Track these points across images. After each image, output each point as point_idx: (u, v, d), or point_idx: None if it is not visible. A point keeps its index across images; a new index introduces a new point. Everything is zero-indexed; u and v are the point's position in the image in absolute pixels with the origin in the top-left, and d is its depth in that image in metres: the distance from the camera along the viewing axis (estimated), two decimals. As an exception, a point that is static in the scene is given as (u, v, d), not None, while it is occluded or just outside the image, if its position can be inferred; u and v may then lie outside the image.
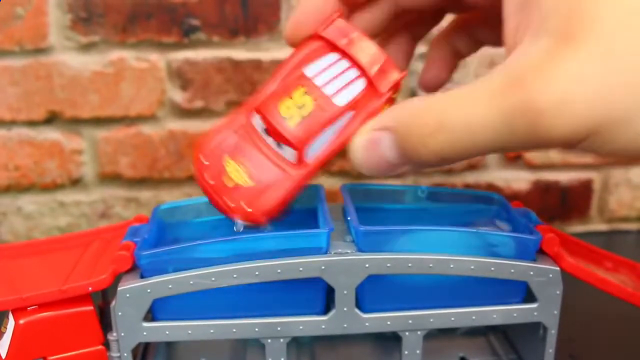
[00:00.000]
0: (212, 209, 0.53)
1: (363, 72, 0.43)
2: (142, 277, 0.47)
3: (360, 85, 0.43)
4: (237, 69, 0.77)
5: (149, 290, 0.46)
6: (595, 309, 0.63)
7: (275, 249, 0.47)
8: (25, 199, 0.80)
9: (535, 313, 0.49)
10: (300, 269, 0.46)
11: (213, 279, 0.46)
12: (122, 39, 0.76)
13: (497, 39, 0.44)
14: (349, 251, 0.47)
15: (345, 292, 0.47)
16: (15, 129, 0.77)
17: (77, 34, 0.75)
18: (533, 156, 0.83)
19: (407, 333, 0.48)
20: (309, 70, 0.43)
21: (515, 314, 0.49)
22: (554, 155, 0.83)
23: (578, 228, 0.87)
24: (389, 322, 0.48)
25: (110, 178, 0.80)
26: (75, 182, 0.80)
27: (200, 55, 0.77)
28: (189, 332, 0.47)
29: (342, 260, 0.46)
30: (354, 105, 0.43)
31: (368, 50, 0.43)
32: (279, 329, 0.47)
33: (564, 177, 0.85)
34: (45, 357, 0.46)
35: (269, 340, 0.48)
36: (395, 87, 0.43)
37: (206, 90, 0.78)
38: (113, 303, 0.46)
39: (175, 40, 0.76)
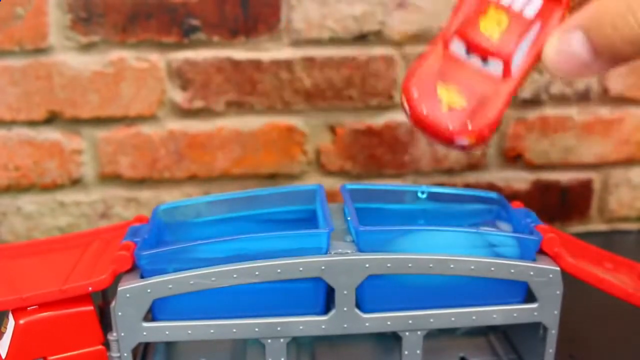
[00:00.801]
0: (213, 209, 0.54)
1: None
2: (142, 277, 0.47)
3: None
4: (237, 69, 0.77)
5: (149, 290, 0.46)
6: (595, 309, 0.63)
7: (275, 249, 0.47)
8: (25, 199, 0.80)
9: (536, 313, 0.49)
10: (300, 269, 0.46)
11: (213, 279, 0.46)
12: (122, 39, 0.76)
13: None
14: (349, 251, 0.47)
15: (345, 292, 0.47)
16: (15, 129, 0.77)
17: (77, 34, 0.75)
18: (533, 156, 0.83)
19: (407, 333, 0.49)
20: None
21: (515, 314, 0.49)
22: (554, 156, 0.83)
23: (578, 228, 0.87)
24: (389, 322, 0.48)
25: (110, 178, 0.80)
26: (75, 182, 0.80)
27: (200, 55, 0.77)
28: (189, 332, 0.47)
29: (342, 261, 0.46)
30: (540, 15, 0.44)
31: None
32: (279, 329, 0.47)
33: (564, 177, 0.85)
34: (45, 357, 0.46)
35: (269, 341, 0.48)
36: None
37: (206, 90, 0.78)
38: (113, 303, 0.46)
39: (175, 40, 0.76)
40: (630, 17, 0.36)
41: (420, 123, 0.45)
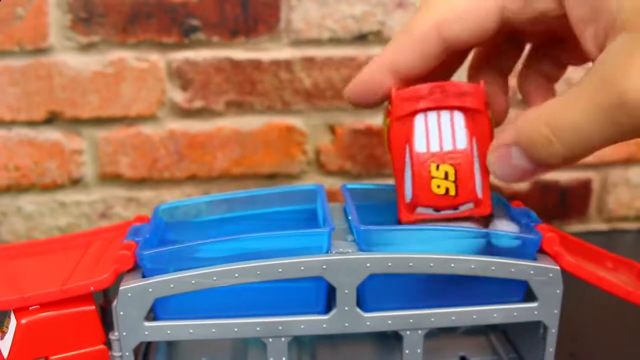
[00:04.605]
0: (214, 208, 0.54)
1: (451, 107, 0.47)
2: (143, 276, 0.47)
3: (460, 118, 0.47)
4: (237, 69, 0.77)
5: (150, 290, 0.46)
6: (596, 308, 0.63)
7: (276, 249, 0.47)
8: (25, 199, 0.80)
9: (536, 312, 0.49)
10: (302, 268, 0.46)
11: (214, 278, 0.46)
12: (122, 39, 0.76)
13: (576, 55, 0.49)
14: (350, 250, 0.47)
15: (346, 291, 0.47)
16: (15, 129, 0.77)
17: (77, 34, 0.75)
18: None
19: (408, 332, 0.49)
20: (418, 146, 0.48)
21: (515, 313, 0.49)
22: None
23: (577, 228, 0.87)
24: (389, 322, 0.48)
25: (111, 178, 0.80)
26: (76, 182, 0.80)
27: (200, 55, 0.77)
28: (191, 331, 0.47)
29: (343, 260, 0.46)
30: (470, 135, 0.47)
31: (441, 89, 0.47)
32: (280, 328, 0.48)
33: (563, 177, 0.85)
34: (47, 357, 0.46)
35: (270, 340, 0.48)
36: (485, 100, 0.48)
37: (206, 90, 0.78)
38: (115, 302, 0.46)
39: (175, 40, 0.76)
40: (552, 138, 0.40)
41: None
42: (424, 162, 0.47)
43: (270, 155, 0.81)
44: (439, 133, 0.47)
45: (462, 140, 0.47)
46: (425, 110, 0.47)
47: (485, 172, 0.48)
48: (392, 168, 0.49)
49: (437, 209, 0.48)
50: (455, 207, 0.48)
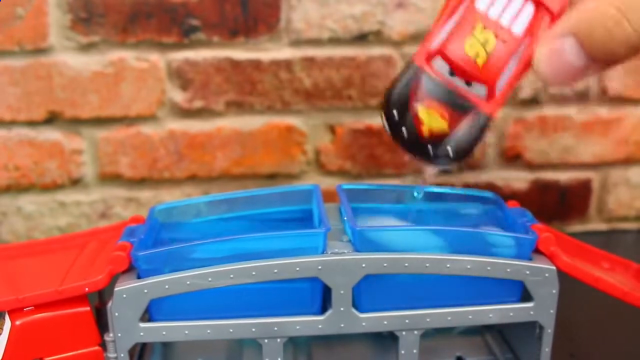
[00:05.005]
0: (209, 209, 0.54)
1: None
2: (138, 277, 0.47)
3: (530, 9, 0.44)
4: (237, 69, 0.77)
5: (145, 291, 0.46)
6: (595, 308, 0.63)
7: (271, 249, 0.47)
8: (25, 199, 0.80)
9: (532, 312, 0.49)
10: (297, 268, 0.46)
11: (210, 279, 0.46)
12: (122, 39, 0.76)
13: None
14: (345, 251, 0.47)
15: (341, 291, 0.47)
16: (15, 129, 0.77)
17: (77, 34, 0.75)
18: (532, 156, 0.83)
19: (403, 332, 0.49)
20: (481, 3, 0.44)
21: (511, 313, 0.49)
22: (553, 155, 0.83)
23: (577, 227, 0.87)
24: (385, 322, 0.48)
25: (110, 178, 0.80)
26: (75, 182, 0.80)
27: (200, 55, 0.77)
28: (186, 332, 0.47)
29: (339, 260, 0.46)
30: (530, 30, 0.44)
31: None
32: (275, 329, 0.48)
33: (563, 176, 0.85)
34: (42, 358, 0.46)
35: (266, 341, 0.48)
36: (565, 5, 0.44)
37: (206, 90, 0.78)
38: (110, 303, 0.46)
39: (175, 40, 0.76)
40: (623, 20, 0.37)
41: (401, 145, 0.46)
42: (475, 17, 0.44)
43: (270, 155, 0.81)
44: (504, 6, 0.44)
45: (519, 28, 0.44)
46: None
47: (519, 73, 0.44)
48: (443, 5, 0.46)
49: (452, 72, 0.45)
50: (469, 82, 0.45)
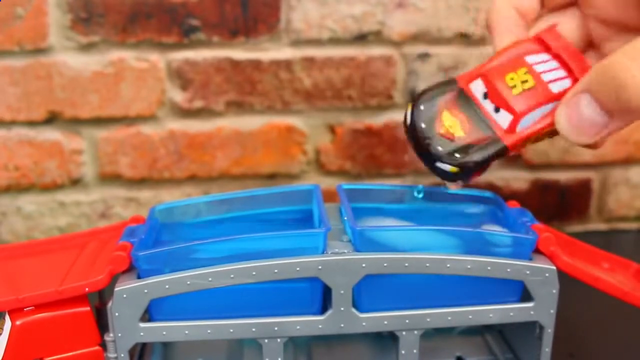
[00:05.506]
0: (209, 209, 0.54)
1: (570, 74, 0.47)
2: (139, 277, 0.47)
3: (568, 83, 0.47)
4: (237, 69, 0.77)
5: (146, 291, 0.46)
6: (595, 308, 0.63)
7: (272, 249, 0.47)
8: (25, 199, 0.80)
9: (532, 312, 0.49)
10: (297, 268, 0.46)
11: (210, 279, 0.46)
12: (122, 39, 0.76)
13: None
14: (345, 251, 0.47)
15: (342, 291, 0.47)
16: (15, 129, 0.77)
17: (77, 34, 0.75)
18: (532, 156, 0.83)
19: (404, 332, 0.49)
20: (530, 59, 0.48)
21: (511, 313, 0.49)
22: (553, 155, 0.83)
23: (577, 227, 0.87)
24: (385, 322, 0.48)
25: (110, 178, 0.80)
26: (75, 182, 0.80)
27: (200, 55, 0.77)
28: (186, 332, 0.47)
29: (339, 260, 0.46)
30: (562, 95, 0.45)
31: (576, 57, 0.48)
32: (275, 329, 0.48)
33: (563, 176, 0.85)
34: (42, 358, 0.46)
35: (266, 341, 0.48)
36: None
37: (206, 90, 0.78)
38: (110, 303, 0.46)
39: (175, 40, 0.76)
40: (631, 68, 0.38)
41: (413, 134, 0.47)
42: (523, 63, 0.48)
43: (270, 155, 0.81)
44: (549, 68, 0.48)
45: (555, 88, 0.47)
46: (555, 54, 0.49)
47: (543, 125, 0.46)
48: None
49: (486, 95, 0.48)
50: (498, 108, 0.47)
